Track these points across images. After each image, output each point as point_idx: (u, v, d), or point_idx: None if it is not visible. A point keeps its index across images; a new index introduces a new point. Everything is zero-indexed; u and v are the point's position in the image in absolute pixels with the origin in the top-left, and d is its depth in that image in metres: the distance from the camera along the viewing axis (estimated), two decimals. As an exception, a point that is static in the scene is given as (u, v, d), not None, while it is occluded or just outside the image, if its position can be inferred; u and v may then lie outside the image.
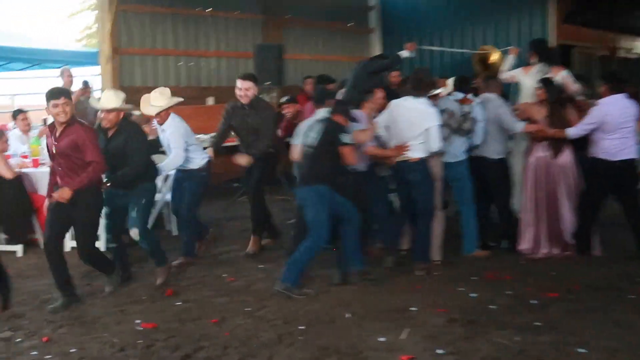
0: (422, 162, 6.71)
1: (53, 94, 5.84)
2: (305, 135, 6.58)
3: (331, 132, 6.32)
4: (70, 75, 10.29)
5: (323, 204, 6.23)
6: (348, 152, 6.31)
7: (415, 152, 6.67)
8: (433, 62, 14.35)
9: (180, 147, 7.00)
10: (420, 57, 14.35)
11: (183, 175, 7.29)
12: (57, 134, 5.89)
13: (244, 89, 7.44)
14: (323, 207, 6.22)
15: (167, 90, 7.12)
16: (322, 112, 6.74)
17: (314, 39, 14.23)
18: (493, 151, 7.36)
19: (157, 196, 7.97)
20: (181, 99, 7.29)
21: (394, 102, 6.93)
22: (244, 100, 7.43)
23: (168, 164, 7.07)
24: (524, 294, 6.10)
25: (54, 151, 5.93)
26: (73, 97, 9.75)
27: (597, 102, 7.14)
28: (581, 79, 7.99)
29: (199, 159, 7.22)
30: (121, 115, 6.39)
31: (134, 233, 6.46)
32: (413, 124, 6.65)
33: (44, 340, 5.24)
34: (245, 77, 7.53)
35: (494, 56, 10.38)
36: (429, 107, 6.70)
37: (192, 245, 7.40)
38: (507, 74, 7.92)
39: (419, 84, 6.80)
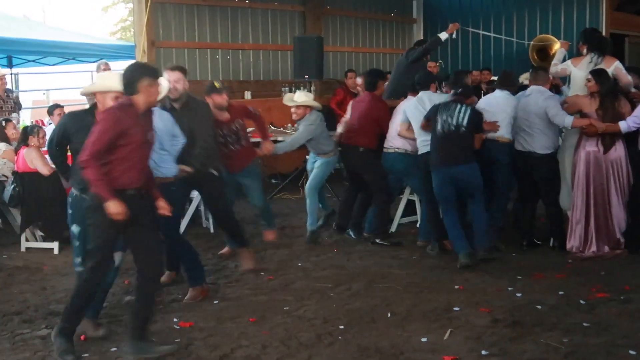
0: (510, 146, 7.28)
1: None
2: (441, 115, 6.93)
3: (477, 117, 6.95)
4: (106, 68, 10.24)
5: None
6: (480, 138, 7.02)
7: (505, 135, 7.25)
8: (481, 52, 14.17)
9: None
10: (468, 47, 14.18)
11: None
12: None
13: (173, 81, 6.20)
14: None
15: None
16: (439, 96, 7.43)
17: (355, 31, 14.08)
18: (541, 146, 7.16)
19: (193, 193, 7.90)
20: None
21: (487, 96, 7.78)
22: (173, 95, 6.24)
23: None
24: (572, 294, 5.92)
25: None
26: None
27: (650, 93, 6.92)
28: (633, 70, 7.72)
29: None
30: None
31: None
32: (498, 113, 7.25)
33: (82, 338, 5.18)
34: (174, 68, 6.37)
35: (555, 46, 10.05)
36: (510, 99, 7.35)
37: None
38: (558, 67, 7.68)
39: (506, 79, 7.58)
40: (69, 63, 12.95)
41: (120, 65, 12.35)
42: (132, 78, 4.78)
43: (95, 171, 4.62)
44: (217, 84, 6.99)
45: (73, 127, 5.35)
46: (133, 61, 11.13)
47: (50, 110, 9.29)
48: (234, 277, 6.67)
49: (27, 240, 7.78)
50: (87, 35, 13.81)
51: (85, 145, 4.66)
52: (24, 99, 11.88)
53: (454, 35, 9.52)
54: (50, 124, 9.28)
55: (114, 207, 4.60)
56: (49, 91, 12.99)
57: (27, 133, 7.70)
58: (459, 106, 6.92)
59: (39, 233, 7.83)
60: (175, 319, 5.54)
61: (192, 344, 5.05)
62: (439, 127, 6.91)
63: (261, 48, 12.38)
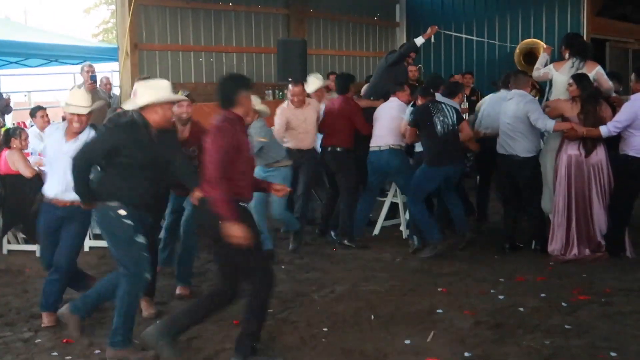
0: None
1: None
2: (437, 117, 7.21)
3: (460, 115, 7.43)
4: (89, 71, 10.20)
5: None
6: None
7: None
8: (463, 56, 14.23)
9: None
10: (450, 52, 14.24)
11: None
12: None
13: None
14: None
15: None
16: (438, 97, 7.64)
17: (338, 34, 14.11)
18: (523, 149, 7.20)
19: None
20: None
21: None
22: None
23: None
24: (554, 296, 5.96)
25: None
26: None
27: (630, 98, 6.96)
28: (614, 76, 7.80)
29: None
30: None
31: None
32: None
33: (65, 341, 5.16)
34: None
35: (541, 49, 10.10)
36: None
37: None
38: (540, 71, 7.73)
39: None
40: (51, 65, 12.87)
41: (103, 67, 12.34)
42: (231, 91, 4.67)
43: (223, 191, 4.45)
44: (180, 92, 6.10)
45: (127, 140, 4.80)
46: (116, 64, 11.13)
47: (33, 113, 9.21)
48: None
49: (9, 242, 7.74)
50: (69, 37, 13.74)
51: (206, 164, 4.54)
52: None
53: (432, 40, 9.55)
54: (32, 126, 9.21)
55: (241, 231, 4.42)
56: (31, 93, 12.88)
57: (9, 135, 7.64)
58: (445, 107, 7.31)
59: (20, 235, 7.79)
60: (159, 322, 5.52)
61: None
62: (439, 128, 7.18)
63: (245, 51, 12.35)
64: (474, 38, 12.69)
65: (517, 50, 10.65)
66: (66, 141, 5.56)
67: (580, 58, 7.38)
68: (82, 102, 5.57)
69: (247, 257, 4.59)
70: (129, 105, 4.96)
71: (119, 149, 4.78)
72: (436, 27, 9.52)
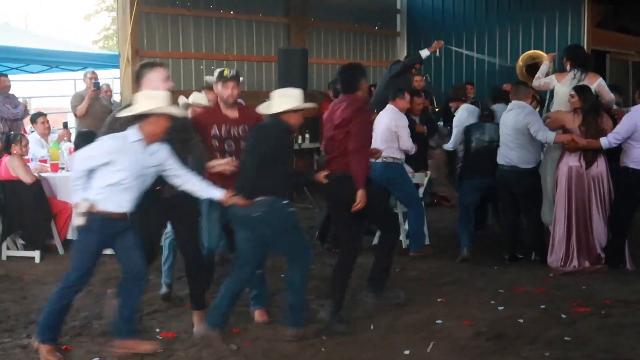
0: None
1: None
2: (474, 134, 7.78)
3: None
4: (92, 77, 10.21)
5: None
6: None
7: None
8: (464, 66, 14.24)
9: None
10: (451, 61, 14.27)
11: None
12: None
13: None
14: None
15: None
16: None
17: (339, 43, 14.14)
18: (522, 160, 7.21)
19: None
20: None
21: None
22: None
23: None
24: (553, 308, 5.96)
25: None
26: (86, 99, 9.77)
27: (630, 109, 6.98)
28: (615, 88, 7.81)
29: None
30: None
31: None
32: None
33: (64, 348, 5.15)
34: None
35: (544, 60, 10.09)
36: None
37: None
38: (542, 80, 7.73)
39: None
40: (52, 71, 12.88)
41: (104, 74, 12.35)
42: (354, 78, 5.72)
43: (366, 161, 5.55)
44: (226, 71, 5.74)
45: (285, 145, 5.31)
46: (116, 70, 11.13)
47: (34, 119, 9.24)
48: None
49: (8, 248, 7.73)
50: (70, 44, 13.76)
51: (357, 136, 5.47)
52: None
53: (437, 53, 9.59)
54: (32, 132, 9.21)
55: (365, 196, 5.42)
56: (31, 99, 12.89)
57: (10, 141, 7.65)
58: (488, 125, 7.78)
59: (20, 241, 7.77)
60: (157, 329, 5.52)
61: (174, 355, 5.03)
62: (473, 144, 7.72)
63: (245, 59, 12.38)
64: (475, 54, 12.71)
65: (520, 62, 10.64)
66: None
67: (582, 70, 7.39)
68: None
69: (379, 211, 5.83)
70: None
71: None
72: (442, 42, 9.57)
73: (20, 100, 10.47)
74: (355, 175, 5.42)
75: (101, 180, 4.77)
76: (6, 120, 10.05)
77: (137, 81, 5.19)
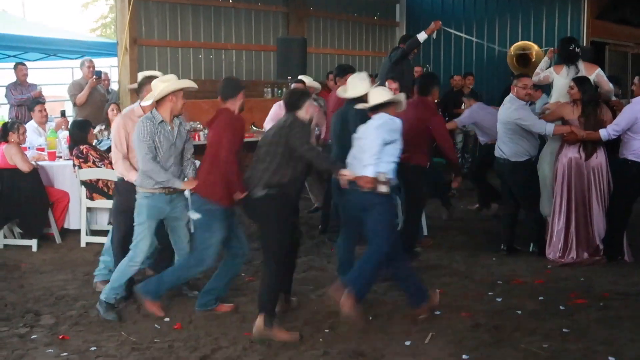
0: None
1: None
2: None
3: None
4: (91, 66, 10.17)
5: None
6: None
7: None
8: (463, 56, 14.22)
9: None
10: (450, 51, 14.23)
11: None
12: None
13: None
14: None
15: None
16: None
17: (338, 33, 14.09)
18: (513, 153, 7.17)
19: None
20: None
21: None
22: None
23: None
24: (552, 299, 5.96)
25: None
26: (86, 87, 9.74)
27: (631, 101, 6.96)
28: (613, 79, 7.78)
29: None
30: None
31: None
32: None
33: (61, 337, 5.14)
34: None
35: (534, 52, 10.07)
36: None
37: None
38: (541, 75, 7.71)
39: None
40: (50, 59, 12.82)
41: (101, 63, 12.29)
42: (429, 83, 7.00)
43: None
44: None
45: None
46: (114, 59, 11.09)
47: (31, 107, 9.19)
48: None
49: (5, 237, 7.70)
50: (68, 32, 13.69)
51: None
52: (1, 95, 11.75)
53: (434, 36, 9.49)
54: (29, 120, 9.16)
55: None
56: (41, 87, 12.87)
57: (7, 129, 7.61)
58: None
59: (17, 230, 7.75)
60: (156, 320, 5.51)
61: (173, 345, 5.03)
62: None
63: (244, 48, 12.32)
64: (474, 39, 12.65)
65: (511, 52, 10.58)
66: None
67: (569, 63, 7.39)
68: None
69: None
70: None
71: None
72: (440, 22, 9.45)
73: (37, 87, 10.44)
74: (453, 160, 7.29)
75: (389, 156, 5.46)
76: (12, 106, 10.04)
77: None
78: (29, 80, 10.55)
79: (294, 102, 5.39)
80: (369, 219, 5.46)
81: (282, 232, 5.23)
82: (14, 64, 10.85)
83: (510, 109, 7.13)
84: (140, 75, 6.32)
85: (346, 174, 5.31)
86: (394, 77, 8.14)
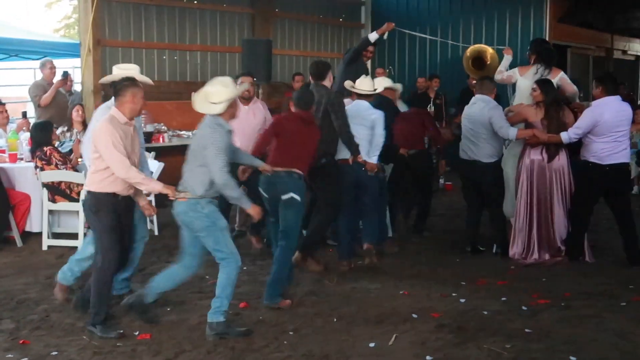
0: None
1: None
2: None
3: None
4: (53, 67, 10.05)
5: None
6: None
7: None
8: (427, 58, 14.29)
9: None
10: (415, 53, 14.30)
11: None
12: None
13: None
14: None
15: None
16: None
17: (303, 34, 14.09)
18: (486, 154, 7.25)
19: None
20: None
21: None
22: None
23: None
24: (515, 300, 6.01)
25: None
26: (52, 88, 9.63)
27: (591, 104, 7.05)
28: (574, 82, 7.86)
29: None
30: None
31: None
32: None
33: (21, 342, 5.07)
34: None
35: (489, 55, 10.12)
36: None
37: None
38: (504, 74, 7.75)
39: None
40: (12, 60, 12.65)
41: (64, 63, 12.16)
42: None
43: None
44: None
45: None
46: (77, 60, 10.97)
47: (-8, 107, 9.06)
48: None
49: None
50: (31, 32, 13.52)
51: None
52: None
53: (385, 36, 9.47)
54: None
55: None
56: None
57: (-32, 130, 7.50)
58: None
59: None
60: (118, 324, 5.45)
61: (136, 349, 4.97)
62: None
63: (209, 49, 12.26)
64: (438, 39, 12.74)
65: (467, 54, 10.64)
66: None
67: (546, 65, 7.45)
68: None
69: None
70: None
71: None
72: (393, 24, 9.41)
73: None
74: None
75: None
76: None
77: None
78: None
79: (320, 73, 6.67)
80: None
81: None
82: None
83: (486, 109, 7.18)
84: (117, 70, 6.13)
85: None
86: (348, 77, 8.10)
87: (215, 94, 5.22)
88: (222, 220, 5.25)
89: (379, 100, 7.24)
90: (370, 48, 9.07)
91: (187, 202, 5.15)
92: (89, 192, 5.30)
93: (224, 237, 5.21)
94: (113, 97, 5.40)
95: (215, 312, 5.18)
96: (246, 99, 7.45)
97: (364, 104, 7.02)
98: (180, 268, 5.47)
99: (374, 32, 9.21)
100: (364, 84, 7.05)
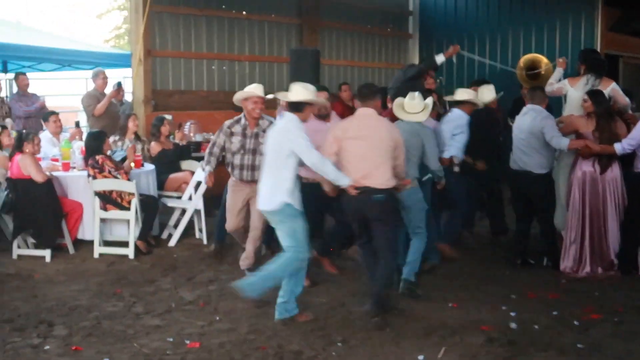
0: None
1: None
2: None
3: None
4: (105, 77, 10.22)
5: None
6: None
7: None
8: (475, 69, 14.17)
9: None
10: (462, 63, 14.22)
11: None
12: None
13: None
14: None
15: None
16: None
17: (351, 44, 14.12)
18: (537, 165, 7.16)
19: (189, 203, 7.99)
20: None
21: None
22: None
23: None
24: (566, 314, 5.91)
25: None
26: (106, 98, 9.79)
27: (644, 115, 6.94)
28: (625, 92, 7.73)
29: None
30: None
31: None
32: None
33: (74, 348, 5.14)
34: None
35: (543, 65, 10.04)
36: None
37: None
38: (554, 85, 7.68)
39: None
40: (65, 69, 12.91)
41: (115, 73, 12.37)
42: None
43: None
44: None
45: None
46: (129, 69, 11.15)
47: (46, 117, 9.23)
48: (228, 289, 6.58)
49: (18, 247, 7.71)
50: (83, 43, 13.79)
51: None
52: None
53: (454, 60, 9.55)
54: (44, 130, 9.19)
55: None
56: (43, 97, 12.98)
57: (22, 139, 7.64)
58: None
59: (30, 240, 7.77)
60: (169, 333, 5.50)
61: (185, 357, 5.01)
62: None
63: (257, 59, 12.36)
64: (487, 61, 12.60)
65: (521, 64, 10.54)
66: None
67: (596, 75, 7.35)
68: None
69: None
70: None
71: None
72: (458, 46, 9.52)
73: (40, 97, 10.51)
74: None
75: None
76: (20, 118, 10.09)
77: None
78: (36, 91, 10.61)
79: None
80: None
81: None
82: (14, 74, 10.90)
83: (537, 119, 7.11)
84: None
85: None
86: (401, 93, 8.11)
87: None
88: None
89: (486, 111, 7.94)
90: (432, 71, 9.17)
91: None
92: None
93: None
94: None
95: None
96: (324, 116, 7.23)
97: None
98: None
99: (441, 54, 9.28)
100: (464, 94, 7.78)
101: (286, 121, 5.68)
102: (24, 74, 10.79)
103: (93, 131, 8.48)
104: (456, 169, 7.54)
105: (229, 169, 6.84)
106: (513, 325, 5.64)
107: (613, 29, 13.53)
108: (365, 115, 5.86)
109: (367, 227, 5.81)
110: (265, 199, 5.68)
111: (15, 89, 10.99)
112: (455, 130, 7.57)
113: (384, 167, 5.67)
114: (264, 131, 6.61)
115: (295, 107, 5.65)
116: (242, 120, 6.80)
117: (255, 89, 6.65)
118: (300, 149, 5.48)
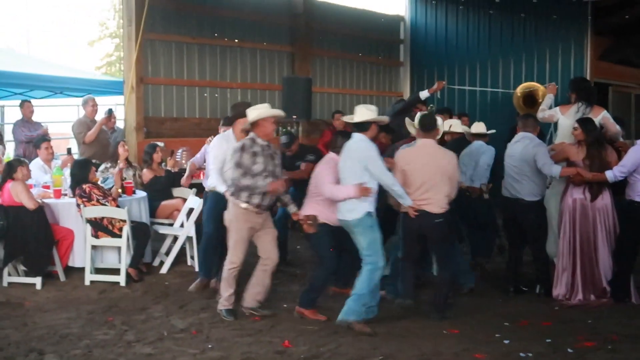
0: None
1: None
2: None
3: None
4: (95, 105, 10.21)
5: None
6: None
7: None
8: (465, 98, 14.28)
9: None
10: (452, 91, 14.33)
11: None
12: None
13: None
14: None
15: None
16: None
17: (342, 72, 14.21)
18: (529, 193, 7.19)
19: (181, 231, 7.98)
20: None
21: None
22: None
23: None
24: (560, 342, 5.90)
25: None
26: (96, 125, 9.79)
27: (636, 142, 6.97)
28: (616, 120, 7.78)
29: None
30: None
31: None
32: None
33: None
34: None
35: (540, 93, 10.13)
36: None
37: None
38: (546, 112, 7.73)
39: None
40: (56, 97, 12.90)
41: (107, 101, 12.36)
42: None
43: None
44: None
45: None
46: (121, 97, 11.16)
47: (37, 144, 9.20)
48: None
49: (9, 274, 7.64)
50: (74, 70, 13.79)
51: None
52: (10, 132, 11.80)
53: (438, 95, 9.71)
54: (36, 157, 9.16)
55: None
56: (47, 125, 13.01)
57: (13, 166, 7.62)
58: None
59: (21, 268, 7.71)
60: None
61: None
62: None
63: (249, 87, 12.42)
64: (477, 88, 12.73)
65: (518, 94, 10.63)
66: None
67: (587, 103, 7.40)
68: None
69: None
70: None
71: None
72: (444, 82, 9.69)
73: (43, 125, 10.53)
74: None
75: None
76: (21, 142, 10.09)
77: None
78: (35, 118, 10.61)
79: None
80: None
81: None
82: (19, 101, 10.92)
83: (529, 146, 7.15)
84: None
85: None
86: (392, 128, 8.26)
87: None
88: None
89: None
90: (420, 105, 9.30)
91: None
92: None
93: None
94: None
95: None
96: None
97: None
98: None
99: (426, 90, 9.49)
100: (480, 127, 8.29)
101: (358, 140, 6.23)
102: (29, 101, 10.82)
103: (79, 159, 8.47)
104: (486, 195, 8.03)
105: (240, 197, 6.35)
106: (507, 352, 5.62)
107: (603, 57, 13.67)
108: (427, 145, 6.51)
109: (421, 243, 6.58)
110: (346, 209, 6.16)
111: (6, 117, 10.99)
112: (490, 160, 8.09)
113: (442, 193, 6.35)
114: (276, 152, 6.57)
115: (361, 126, 6.24)
116: (259, 140, 6.39)
117: (275, 109, 6.80)
118: (375, 169, 6.11)
